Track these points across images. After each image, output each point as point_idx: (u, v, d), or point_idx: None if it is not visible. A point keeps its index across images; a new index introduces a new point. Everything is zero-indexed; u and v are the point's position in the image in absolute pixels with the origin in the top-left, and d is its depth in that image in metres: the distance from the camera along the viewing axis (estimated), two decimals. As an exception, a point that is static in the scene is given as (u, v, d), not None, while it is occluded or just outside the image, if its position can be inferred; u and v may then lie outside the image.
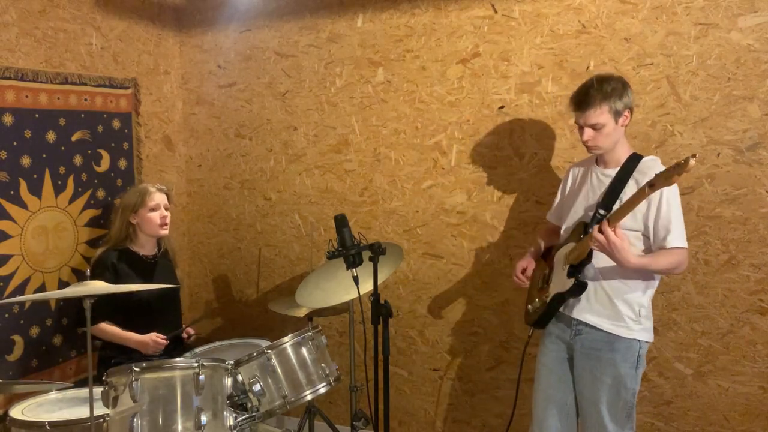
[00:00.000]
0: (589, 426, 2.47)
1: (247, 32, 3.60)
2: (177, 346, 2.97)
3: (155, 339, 2.82)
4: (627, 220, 2.30)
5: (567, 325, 2.49)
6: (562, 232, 2.56)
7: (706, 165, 2.72)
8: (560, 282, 2.44)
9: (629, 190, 2.36)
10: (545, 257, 2.67)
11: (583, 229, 2.40)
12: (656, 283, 2.43)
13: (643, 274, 2.37)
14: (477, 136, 3.13)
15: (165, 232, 3.01)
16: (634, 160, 2.41)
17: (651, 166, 2.39)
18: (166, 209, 3.00)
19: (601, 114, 2.32)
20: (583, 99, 2.35)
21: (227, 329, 3.87)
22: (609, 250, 2.23)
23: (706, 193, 2.71)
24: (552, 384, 2.55)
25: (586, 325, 2.43)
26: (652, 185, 2.10)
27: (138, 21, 3.50)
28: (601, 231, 2.22)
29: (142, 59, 3.53)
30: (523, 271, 2.66)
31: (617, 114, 2.34)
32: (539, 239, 2.75)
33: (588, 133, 2.37)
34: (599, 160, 2.51)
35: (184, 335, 3.04)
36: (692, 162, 1.98)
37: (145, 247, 3.02)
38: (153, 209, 2.95)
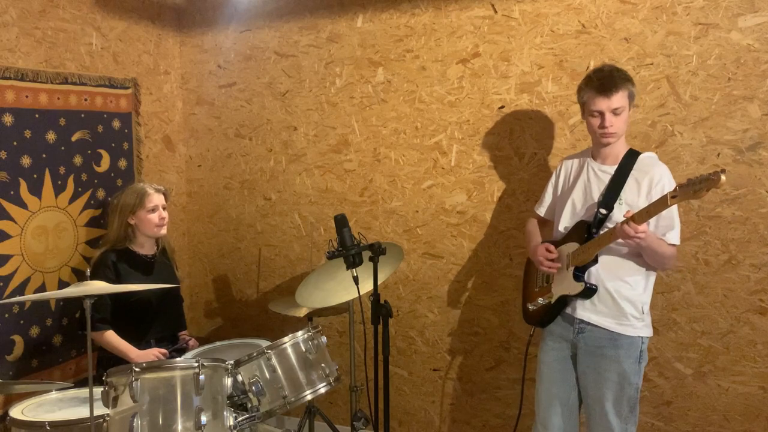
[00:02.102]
0: (593, 422, 2.47)
1: (247, 32, 3.60)
2: (180, 355, 2.98)
3: (157, 355, 2.84)
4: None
5: (569, 323, 2.49)
6: (560, 228, 2.53)
7: (706, 165, 2.72)
8: (565, 283, 2.44)
9: (629, 188, 2.37)
10: None
11: (585, 229, 2.39)
12: (654, 277, 2.44)
13: (644, 272, 2.39)
14: (477, 136, 3.13)
15: (164, 231, 3.01)
16: (632, 156, 2.41)
17: (649, 163, 2.40)
18: (164, 209, 3.00)
19: (623, 97, 2.34)
20: (608, 83, 2.33)
21: (227, 329, 3.87)
22: (640, 244, 2.23)
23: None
24: (555, 382, 2.55)
25: (589, 323, 2.43)
26: (675, 196, 2.07)
27: (138, 21, 3.50)
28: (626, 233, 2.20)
29: (142, 59, 3.53)
30: (547, 249, 2.52)
31: (631, 98, 2.37)
32: (536, 234, 2.69)
33: (610, 118, 2.35)
34: (596, 155, 2.50)
35: (185, 345, 3.06)
36: (723, 178, 1.95)
37: (144, 247, 3.02)
38: (152, 211, 2.95)
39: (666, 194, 2.11)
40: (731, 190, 2.68)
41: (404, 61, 3.23)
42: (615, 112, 2.35)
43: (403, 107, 3.26)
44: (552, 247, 2.51)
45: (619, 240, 2.25)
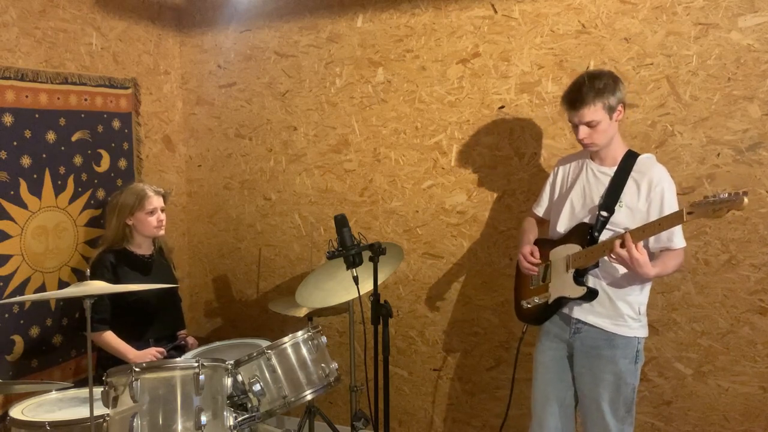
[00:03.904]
0: (590, 423, 2.47)
1: (247, 32, 3.60)
2: (179, 353, 2.98)
3: (155, 354, 2.84)
4: (626, 221, 2.30)
5: (566, 323, 2.49)
6: (558, 229, 2.53)
7: (706, 165, 2.72)
8: (565, 285, 2.43)
9: (629, 190, 2.36)
10: None
11: (587, 232, 2.38)
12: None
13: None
14: (477, 136, 3.13)
15: (162, 232, 3.02)
16: (630, 158, 2.41)
17: (648, 164, 2.39)
18: (162, 211, 3.00)
19: (595, 111, 2.31)
20: (576, 97, 2.33)
21: (227, 329, 3.87)
22: (631, 266, 2.22)
23: (706, 193, 2.71)
24: (551, 382, 2.55)
25: (586, 323, 2.43)
26: (691, 213, 2.06)
27: (138, 21, 3.50)
28: (622, 246, 2.20)
29: (142, 59, 3.53)
30: (531, 254, 2.55)
31: (611, 110, 2.33)
32: (531, 232, 2.70)
33: (584, 131, 2.36)
34: (594, 156, 2.50)
35: (183, 342, 3.06)
36: (746, 201, 1.94)
37: (142, 247, 3.02)
38: (150, 213, 2.95)
39: (681, 210, 2.10)
40: (731, 190, 2.67)
41: (404, 61, 3.23)
42: (589, 125, 2.34)
43: (403, 107, 3.26)
44: (537, 253, 2.54)
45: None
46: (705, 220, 2.72)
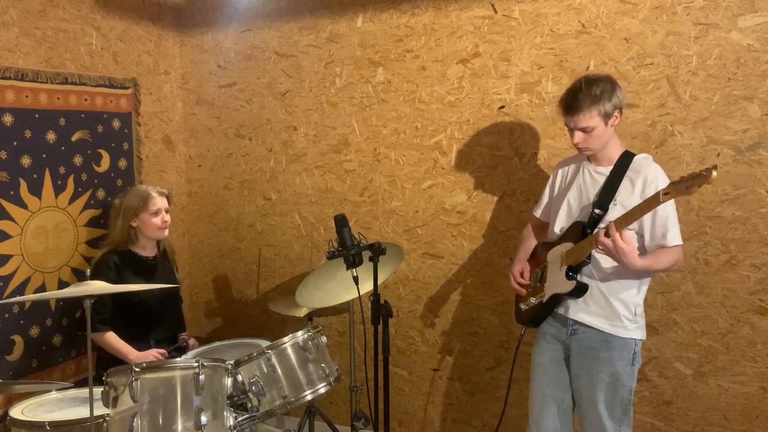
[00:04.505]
0: (586, 424, 2.47)
1: (247, 32, 3.60)
2: (180, 354, 2.98)
3: (156, 355, 2.84)
4: None
5: (563, 324, 2.50)
6: (555, 229, 2.54)
7: (706, 165, 2.71)
8: (558, 282, 2.44)
9: (623, 189, 2.37)
10: (533, 255, 2.67)
11: (580, 229, 2.39)
12: (649, 281, 2.44)
13: (638, 273, 2.37)
14: (477, 136, 3.13)
15: (166, 234, 3.02)
16: (626, 158, 2.41)
17: (643, 164, 2.40)
18: (166, 212, 3.00)
19: (590, 118, 2.32)
20: (571, 103, 2.34)
21: (227, 329, 3.87)
22: (616, 255, 2.22)
23: (706, 193, 2.71)
24: (548, 383, 2.55)
25: (582, 324, 2.43)
26: (667, 193, 2.07)
27: (138, 21, 3.50)
28: (607, 235, 2.20)
29: (142, 59, 3.53)
30: (521, 274, 2.63)
31: (606, 116, 2.33)
32: (529, 240, 2.73)
33: (578, 136, 2.36)
34: (591, 157, 2.50)
35: (184, 344, 3.07)
36: (714, 174, 1.95)
37: (146, 249, 3.02)
38: (155, 214, 2.95)
39: (659, 191, 2.10)
40: (731, 190, 2.68)
41: (404, 61, 3.23)
42: (584, 130, 2.35)
43: (403, 107, 3.26)
44: (527, 274, 2.60)
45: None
46: (704, 220, 2.73)
